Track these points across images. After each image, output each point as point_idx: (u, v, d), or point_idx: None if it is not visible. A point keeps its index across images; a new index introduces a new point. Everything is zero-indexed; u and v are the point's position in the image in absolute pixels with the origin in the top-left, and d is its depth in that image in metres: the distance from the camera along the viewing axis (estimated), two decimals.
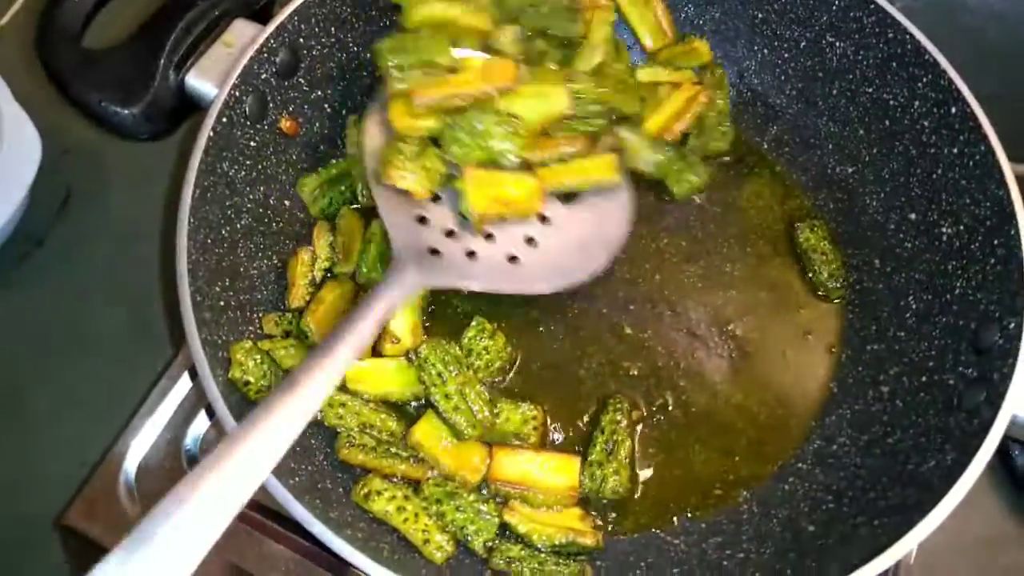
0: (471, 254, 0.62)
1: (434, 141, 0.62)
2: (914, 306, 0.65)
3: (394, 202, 0.61)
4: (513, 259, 0.62)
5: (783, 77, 0.73)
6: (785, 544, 0.57)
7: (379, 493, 0.56)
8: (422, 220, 0.62)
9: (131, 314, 0.78)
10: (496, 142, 0.60)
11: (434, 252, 0.60)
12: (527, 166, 0.62)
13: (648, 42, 0.74)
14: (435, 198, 0.63)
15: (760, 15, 0.72)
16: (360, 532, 0.53)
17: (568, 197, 0.65)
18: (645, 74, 0.71)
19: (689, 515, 0.61)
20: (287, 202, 0.67)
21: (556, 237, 0.63)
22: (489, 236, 0.63)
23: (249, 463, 0.43)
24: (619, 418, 0.62)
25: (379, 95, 0.64)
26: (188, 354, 0.70)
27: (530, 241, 0.63)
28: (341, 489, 0.57)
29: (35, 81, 0.87)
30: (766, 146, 0.74)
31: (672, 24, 0.74)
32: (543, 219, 0.64)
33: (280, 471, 0.49)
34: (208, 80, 0.62)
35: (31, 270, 0.81)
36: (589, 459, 0.60)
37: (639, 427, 0.64)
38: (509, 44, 0.65)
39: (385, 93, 0.62)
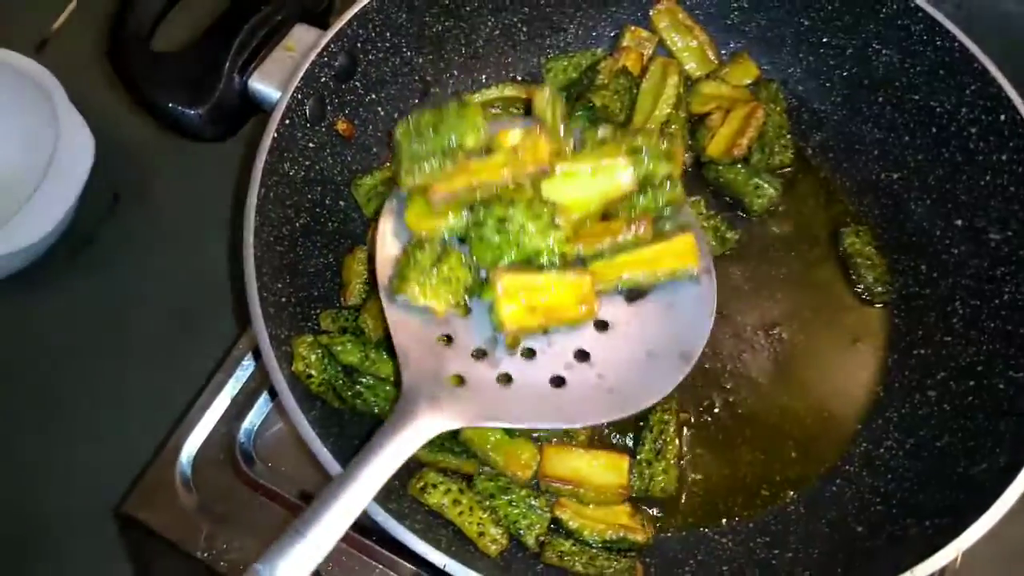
0: (505, 379, 0.50)
1: (461, 240, 0.53)
2: (961, 311, 0.65)
3: (411, 320, 0.51)
4: (559, 382, 0.50)
5: (828, 84, 0.74)
6: (834, 545, 0.58)
7: (434, 486, 0.57)
8: (447, 340, 0.51)
9: (180, 311, 0.80)
10: (532, 239, 0.50)
11: (459, 381, 0.50)
12: (578, 260, 0.51)
13: (694, 69, 0.75)
14: (465, 310, 0.53)
15: (806, 23, 0.73)
16: (418, 523, 0.54)
17: (633, 293, 0.53)
18: (709, 88, 0.72)
19: (736, 515, 0.62)
20: (342, 202, 0.69)
21: (616, 348, 0.51)
22: (530, 353, 0.51)
23: None
24: (667, 418, 0.62)
25: (394, 194, 0.56)
26: (242, 350, 0.73)
27: (582, 355, 0.51)
28: (397, 482, 0.58)
29: (86, 83, 0.90)
30: (811, 152, 0.75)
31: (716, 50, 0.75)
32: (600, 325, 0.52)
33: (343, 463, 0.51)
34: (271, 83, 0.64)
35: (83, 267, 0.84)
36: (638, 458, 0.61)
37: (686, 428, 0.65)
38: (548, 110, 0.55)
39: (400, 191, 0.54)
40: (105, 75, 0.92)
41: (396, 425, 0.46)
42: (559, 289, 0.50)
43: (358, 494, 0.44)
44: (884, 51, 0.69)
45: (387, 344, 0.61)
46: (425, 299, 0.51)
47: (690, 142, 0.73)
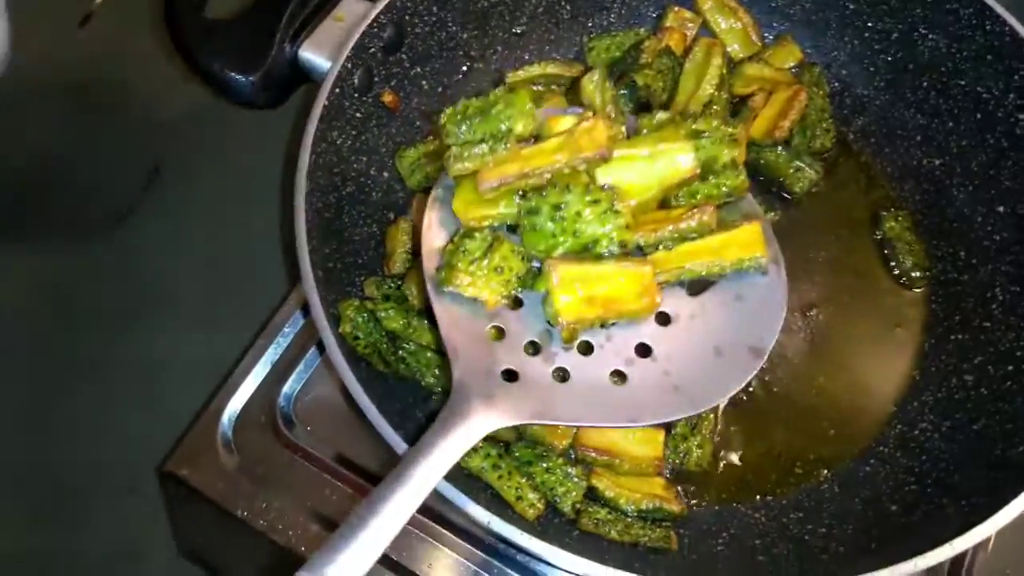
0: (561, 374, 0.49)
1: (512, 229, 0.51)
2: (1000, 297, 0.65)
3: (460, 314, 0.49)
4: (619, 377, 0.48)
5: (872, 69, 0.74)
6: (868, 521, 0.59)
7: (475, 450, 0.58)
8: (498, 333, 0.49)
9: (220, 279, 0.82)
10: (588, 226, 0.48)
11: (510, 376, 0.48)
12: (636, 250, 0.49)
13: (737, 51, 0.75)
14: (516, 303, 0.51)
15: (852, 6, 0.73)
16: (458, 486, 0.55)
17: (696, 285, 0.51)
18: (752, 69, 0.72)
19: (770, 491, 0.63)
20: (385, 173, 0.70)
21: (681, 343, 0.49)
22: (587, 347, 0.49)
23: None
24: None
25: (440, 181, 0.54)
26: (284, 316, 0.74)
27: (644, 350, 0.49)
28: None
29: (128, 57, 0.92)
30: (852, 136, 0.75)
31: (759, 32, 0.76)
32: (662, 318, 0.50)
33: (391, 422, 0.52)
34: (320, 53, 0.65)
35: (122, 237, 0.85)
36: (673, 432, 0.62)
37: (722, 405, 0.65)
38: (597, 94, 0.53)
39: (447, 179, 0.52)
40: (146, 49, 0.94)
41: (448, 423, 0.44)
42: (618, 279, 0.47)
43: (409, 495, 0.42)
44: (931, 35, 0.69)
45: (428, 313, 0.62)
46: (475, 290, 0.49)
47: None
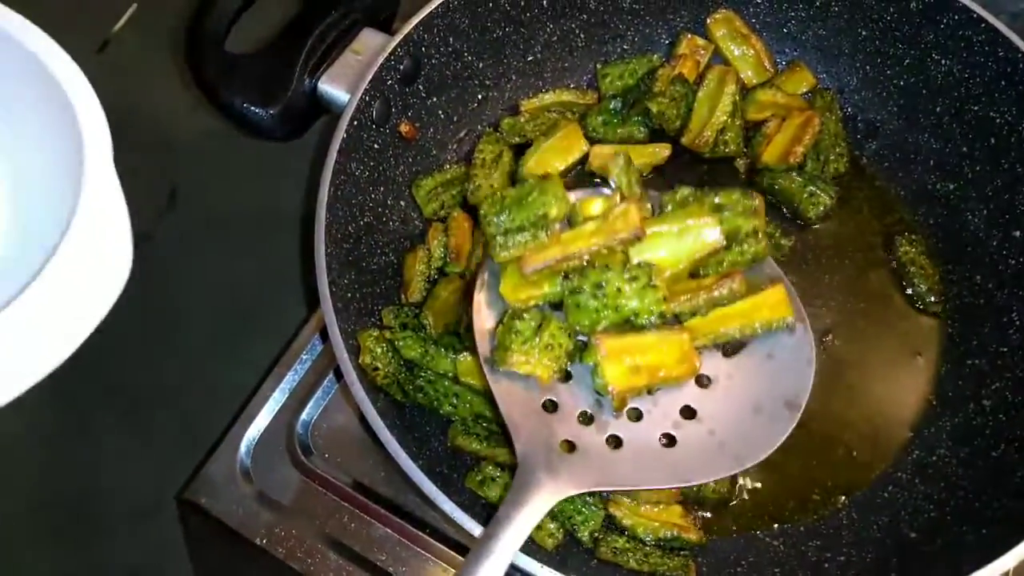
0: (615, 441, 0.52)
1: (556, 307, 0.54)
2: (1018, 322, 0.65)
3: (515, 390, 0.53)
4: (669, 440, 0.52)
5: (884, 94, 0.75)
6: (887, 549, 0.58)
7: (493, 480, 0.58)
8: (551, 407, 0.53)
9: (237, 307, 0.82)
10: (629, 301, 0.51)
11: (568, 447, 0.51)
12: (673, 319, 0.53)
13: (750, 77, 0.76)
14: (566, 376, 0.54)
15: (864, 32, 0.73)
16: (477, 516, 0.55)
17: (729, 347, 0.55)
18: (765, 96, 0.73)
19: (787, 519, 0.62)
20: (402, 203, 0.71)
21: (722, 402, 0.53)
22: (636, 414, 0.53)
23: None
24: None
25: (485, 266, 0.57)
26: (301, 344, 0.75)
27: (688, 413, 0.53)
28: (456, 475, 0.60)
29: (147, 83, 0.93)
30: (866, 160, 0.75)
31: (772, 58, 0.76)
32: (702, 381, 0.54)
33: (409, 453, 0.52)
34: (339, 85, 0.66)
35: (139, 262, 0.86)
36: None
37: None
38: (623, 176, 0.56)
39: (492, 263, 0.56)
40: (164, 75, 0.96)
41: (520, 496, 0.48)
42: (660, 348, 0.51)
43: (494, 567, 0.45)
44: (943, 61, 0.70)
45: (446, 341, 0.63)
46: (529, 368, 0.52)
47: (745, 149, 0.73)
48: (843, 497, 0.63)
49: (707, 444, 0.51)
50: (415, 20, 0.66)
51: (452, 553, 0.66)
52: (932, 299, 0.69)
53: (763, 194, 0.60)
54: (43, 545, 0.73)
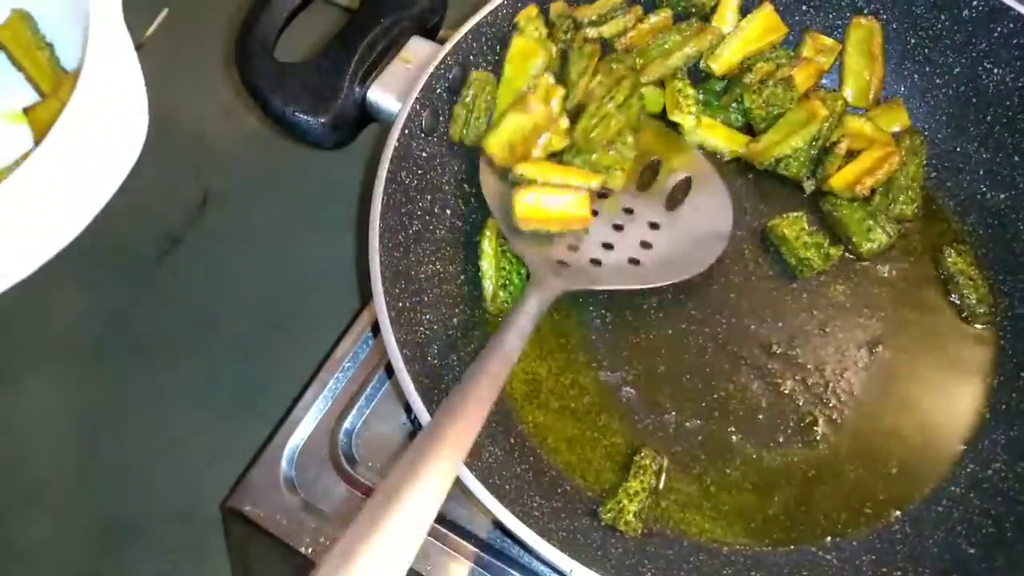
0: (595, 262, 0.66)
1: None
2: None
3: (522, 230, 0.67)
4: (634, 261, 0.67)
5: (933, 103, 0.74)
6: (944, 565, 0.58)
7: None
8: (548, 240, 0.67)
9: (273, 312, 0.82)
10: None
11: (562, 263, 0.65)
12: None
13: (850, 97, 0.74)
14: None
15: (913, 40, 0.73)
16: (532, 526, 0.55)
17: (672, 204, 0.70)
18: (855, 124, 0.71)
19: (840, 532, 0.62)
20: (448, 211, 0.70)
21: (669, 238, 0.69)
22: (608, 246, 0.68)
23: (440, 471, 0.47)
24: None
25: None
26: (344, 350, 0.74)
27: (646, 245, 0.68)
28: (507, 486, 0.59)
29: (178, 88, 0.93)
30: None
31: (879, 92, 0.74)
32: (653, 226, 0.69)
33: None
34: (389, 94, 0.66)
35: (171, 268, 0.86)
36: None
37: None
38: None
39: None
40: (196, 78, 0.96)
41: (535, 288, 0.61)
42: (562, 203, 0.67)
43: (523, 325, 0.57)
44: (996, 70, 0.69)
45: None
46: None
47: (814, 168, 0.72)
48: (896, 511, 0.62)
49: (661, 262, 0.67)
50: (464, 29, 0.66)
51: (496, 562, 0.66)
52: (982, 311, 0.69)
53: (822, 217, 0.63)
54: (78, 553, 0.73)
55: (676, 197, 0.71)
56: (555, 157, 0.69)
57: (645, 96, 0.72)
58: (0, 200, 0.42)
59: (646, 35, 0.73)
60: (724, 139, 0.73)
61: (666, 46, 0.72)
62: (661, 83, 0.73)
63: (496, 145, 0.67)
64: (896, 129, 0.73)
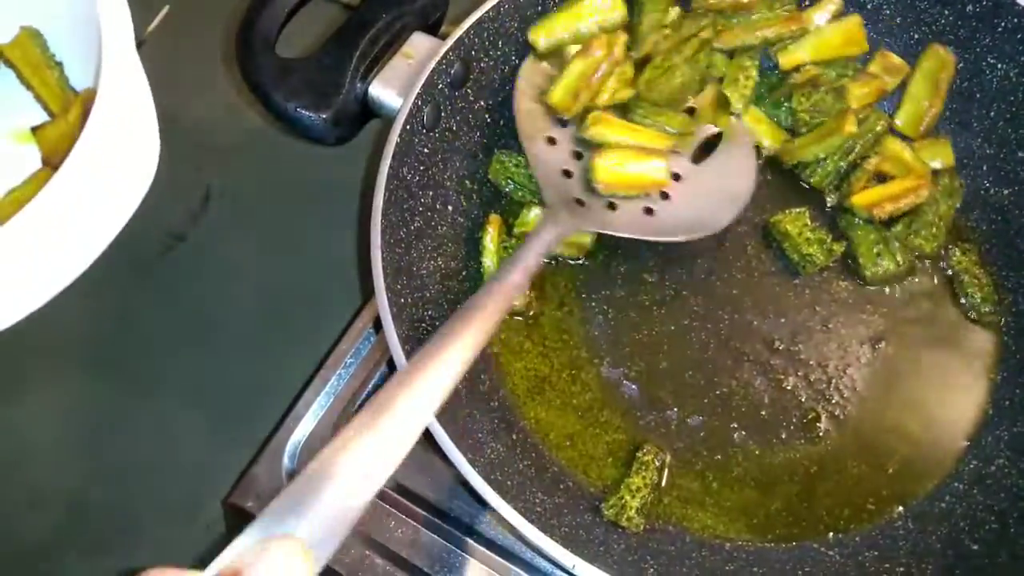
0: (612, 205, 0.66)
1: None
2: None
3: (544, 159, 0.67)
4: (649, 211, 0.67)
5: None
6: (948, 561, 0.58)
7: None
8: (567, 174, 0.67)
9: (276, 309, 0.82)
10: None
11: (579, 202, 0.65)
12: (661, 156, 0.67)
13: (900, 123, 0.72)
14: (577, 156, 0.68)
15: (916, 36, 0.72)
16: (534, 522, 0.55)
17: (698, 157, 0.70)
18: (895, 147, 0.70)
19: (843, 528, 0.62)
20: (449, 207, 0.70)
21: (688, 192, 0.68)
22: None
23: (430, 388, 0.45)
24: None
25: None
26: (346, 347, 0.74)
27: (665, 196, 0.68)
28: (509, 481, 0.59)
29: (179, 85, 0.93)
30: None
31: (932, 124, 0.72)
32: (675, 177, 0.69)
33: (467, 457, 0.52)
34: (391, 89, 0.66)
35: (173, 264, 0.86)
36: None
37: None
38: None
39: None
40: (198, 75, 0.96)
41: (547, 223, 0.61)
42: (641, 162, 0.67)
43: (536, 250, 0.58)
44: (999, 65, 0.69)
45: None
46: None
47: (839, 183, 0.71)
48: (899, 507, 0.62)
49: (676, 216, 0.67)
50: (466, 24, 0.66)
51: (499, 559, 0.66)
52: (987, 309, 0.68)
53: (835, 234, 0.65)
54: (81, 549, 0.73)
55: (704, 151, 0.70)
56: (621, 113, 0.69)
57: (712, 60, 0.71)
58: (12, 233, 0.42)
59: (733, 3, 0.71)
60: (766, 134, 0.72)
61: (752, 17, 0.71)
62: (730, 54, 0.73)
63: (561, 93, 0.67)
64: (937, 165, 0.71)
